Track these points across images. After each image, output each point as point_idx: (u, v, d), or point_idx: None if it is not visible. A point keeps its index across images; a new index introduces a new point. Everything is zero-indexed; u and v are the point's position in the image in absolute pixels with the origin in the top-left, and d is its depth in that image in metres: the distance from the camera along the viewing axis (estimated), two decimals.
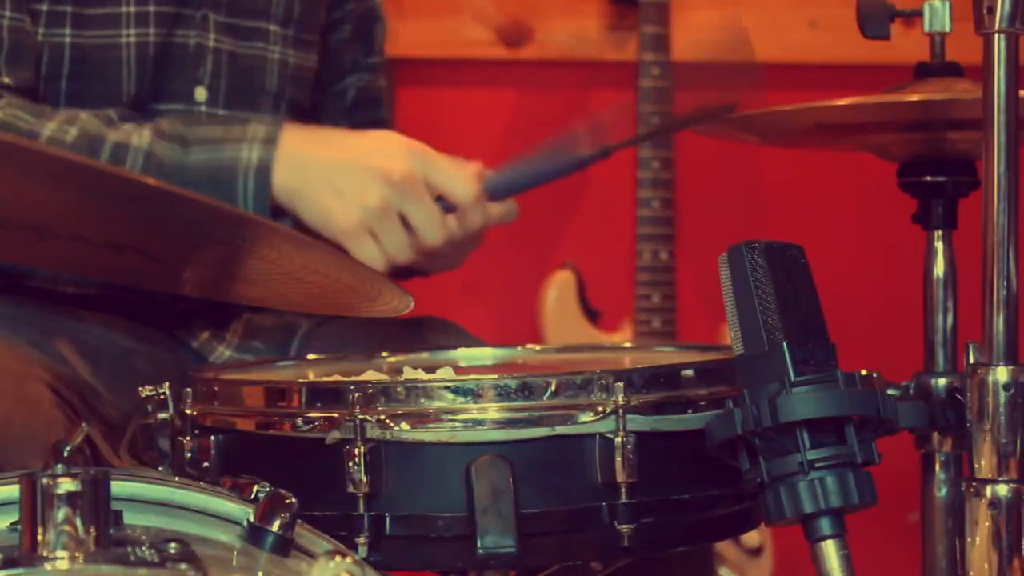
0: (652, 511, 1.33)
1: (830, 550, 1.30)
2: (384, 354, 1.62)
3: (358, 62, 2.05)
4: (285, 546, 1.17)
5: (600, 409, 1.32)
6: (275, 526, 1.16)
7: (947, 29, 1.65)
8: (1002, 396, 1.17)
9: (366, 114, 2.03)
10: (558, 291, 2.96)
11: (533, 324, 2.97)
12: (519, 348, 1.68)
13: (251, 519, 1.17)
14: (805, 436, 1.29)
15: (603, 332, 2.97)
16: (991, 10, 1.20)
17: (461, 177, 1.63)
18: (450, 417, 1.31)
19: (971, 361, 1.21)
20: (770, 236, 3.28)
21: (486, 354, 1.64)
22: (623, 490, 1.32)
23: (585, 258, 3.02)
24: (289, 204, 1.63)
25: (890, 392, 1.67)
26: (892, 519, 3.20)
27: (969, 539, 1.15)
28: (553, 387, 1.32)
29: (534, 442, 1.32)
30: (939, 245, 1.65)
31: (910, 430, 1.49)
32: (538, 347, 1.68)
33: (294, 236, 1.36)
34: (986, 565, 1.13)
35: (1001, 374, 1.20)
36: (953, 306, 1.65)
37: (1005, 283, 1.19)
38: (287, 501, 1.18)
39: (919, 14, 1.65)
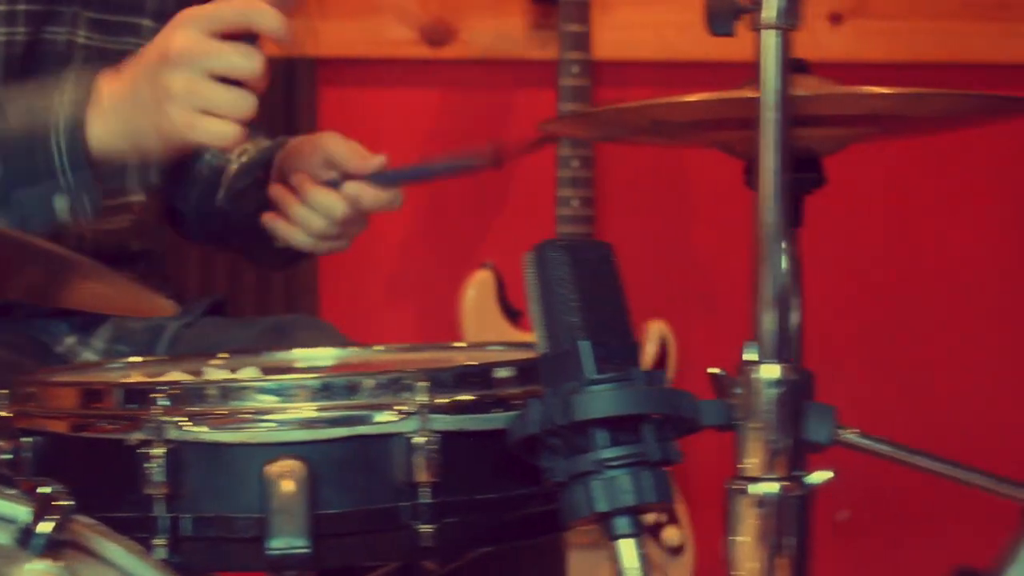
0: (455, 511, 1.33)
1: (627, 549, 1.29)
2: (224, 355, 1.62)
3: None
4: (55, 547, 1.17)
5: (401, 409, 1.31)
6: (44, 527, 1.16)
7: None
8: (770, 394, 1.17)
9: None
10: (477, 291, 2.96)
11: (454, 324, 2.97)
12: (367, 348, 1.68)
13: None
14: (602, 435, 1.29)
15: (524, 331, 2.97)
16: (762, 6, 1.19)
17: (228, 3, 1.56)
18: (249, 418, 1.31)
19: (744, 359, 1.21)
20: (694, 234, 3.27)
21: (328, 354, 1.64)
22: (425, 490, 1.31)
23: (507, 258, 3.02)
24: (122, 148, 1.58)
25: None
26: (823, 518, 3.19)
27: (737, 538, 1.15)
28: (354, 387, 1.32)
29: (334, 443, 1.31)
30: (784, 242, 1.63)
31: (717, 428, 1.47)
32: (382, 347, 1.67)
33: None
34: (754, 564, 1.12)
35: (770, 372, 1.19)
36: (798, 304, 1.64)
37: (774, 281, 1.18)
38: (61, 502, 1.18)
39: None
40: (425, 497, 1.31)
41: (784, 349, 1.17)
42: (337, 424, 1.31)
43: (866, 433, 1.34)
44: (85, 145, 1.57)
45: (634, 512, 1.29)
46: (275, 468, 1.29)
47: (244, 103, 1.54)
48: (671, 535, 2.96)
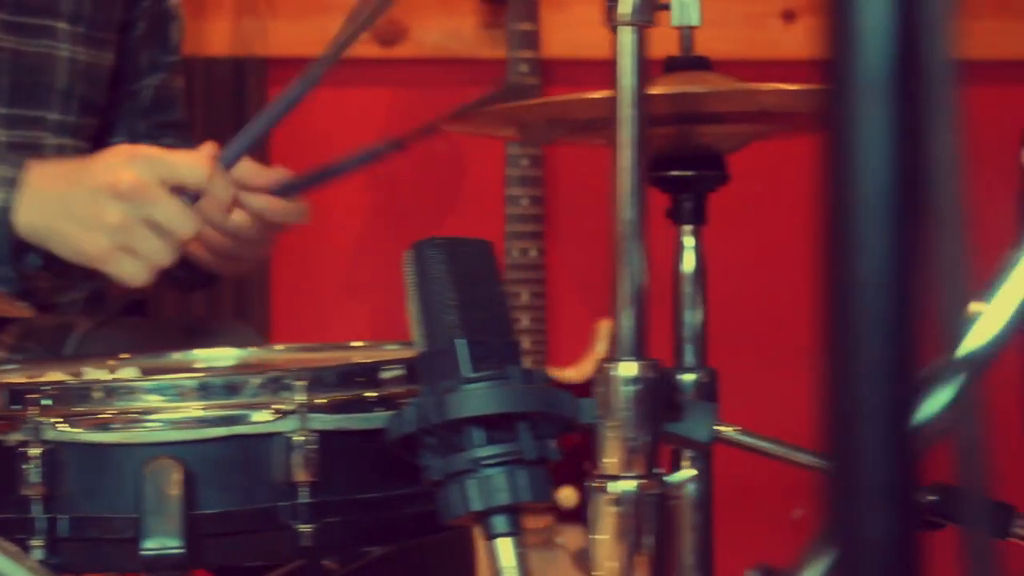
0: (335, 511, 1.32)
1: (505, 548, 1.29)
2: (124, 356, 1.61)
3: (155, 61, 2.04)
4: None
5: (279, 408, 1.31)
6: None
7: (695, 23, 1.64)
8: (628, 391, 1.16)
9: (162, 115, 2.02)
10: None
11: (407, 323, 2.96)
12: (267, 349, 1.67)
13: None
14: (477, 433, 1.28)
15: None
16: (617, 2, 1.19)
17: (189, 163, 1.60)
18: (126, 418, 1.30)
19: (602, 357, 1.21)
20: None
21: (228, 355, 1.64)
22: (304, 490, 1.31)
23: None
24: (42, 243, 1.62)
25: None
26: (779, 516, 3.19)
27: (596, 536, 1.14)
28: (232, 387, 1.32)
29: (212, 442, 1.31)
30: (688, 240, 1.64)
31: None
32: (281, 347, 1.67)
33: None
34: (613, 563, 1.12)
35: (627, 369, 1.19)
36: (702, 301, 1.64)
37: (631, 278, 1.18)
38: None
39: (667, 8, 1.64)
40: (304, 497, 1.31)
41: (638, 345, 1.16)
42: (214, 424, 1.31)
43: (747, 430, 1.34)
44: (10, 233, 1.59)
45: (510, 511, 1.29)
46: (150, 468, 1.28)
47: (165, 255, 1.58)
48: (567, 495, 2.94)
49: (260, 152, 2.98)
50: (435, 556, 1.68)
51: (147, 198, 1.57)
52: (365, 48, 3.03)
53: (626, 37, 1.20)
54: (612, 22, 1.23)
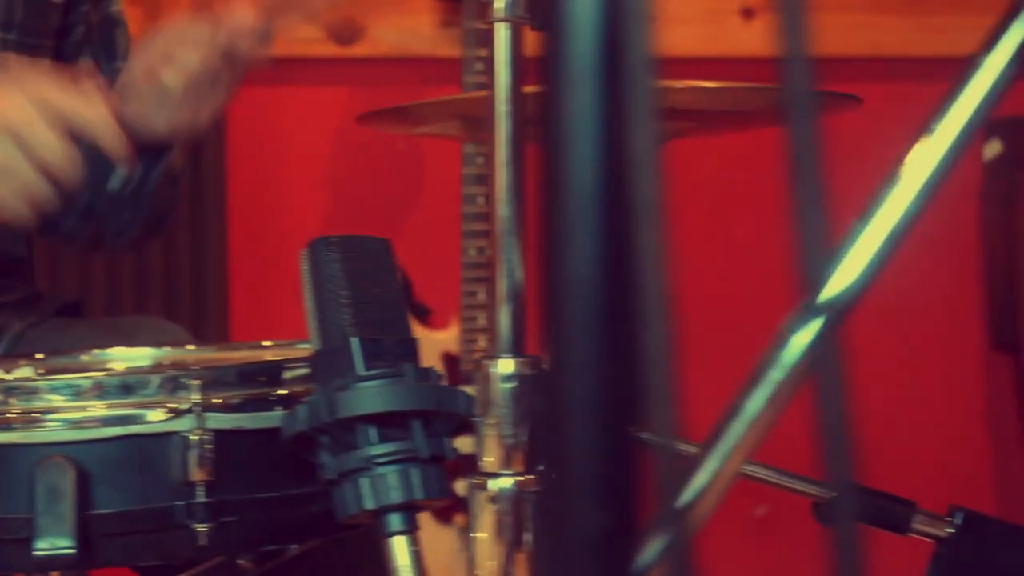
0: (233, 510, 1.32)
1: (400, 546, 1.29)
2: (39, 355, 1.61)
3: (101, 68, 2.03)
4: None
5: (175, 407, 1.31)
6: None
7: None
8: (505, 389, 1.16)
9: None
10: None
11: None
12: (182, 349, 1.67)
13: None
14: (370, 432, 1.28)
15: (433, 330, 2.96)
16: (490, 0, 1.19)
17: (86, 103, 1.57)
18: (20, 418, 1.30)
19: (481, 354, 1.20)
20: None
21: (144, 354, 1.63)
22: (200, 489, 1.31)
23: (414, 257, 3.01)
24: None
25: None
26: (741, 514, 3.19)
27: (476, 535, 1.14)
28: (127, 387, 1.31)
29: (107, 442, 1.31)
30: None
31: None
32: (192, 347, 1.67)
33: None
34: (492, 561, 1.12)
35: (504, 366, 1.18)
36: None
37: (509, 275, 1.18)
38: None
39: None
40: (201, 496, 1.31)
41: (516, 343, 1.16)
42: (109, 424, 1.31)
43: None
44: None
45: (405, 509, 1.29)
46: (42, 468, 1.28)
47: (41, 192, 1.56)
48: None
49: (217, 151, 2.98)
50: (353, 553, 1.67)
51: (25, 130, 1.54)
52: (322, 47, 3.03)
53: (501, 34, 1.19)
54: (488, 19, 1.23)
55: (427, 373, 1.31)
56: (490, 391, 1.16)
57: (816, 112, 0.50)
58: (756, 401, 0.77)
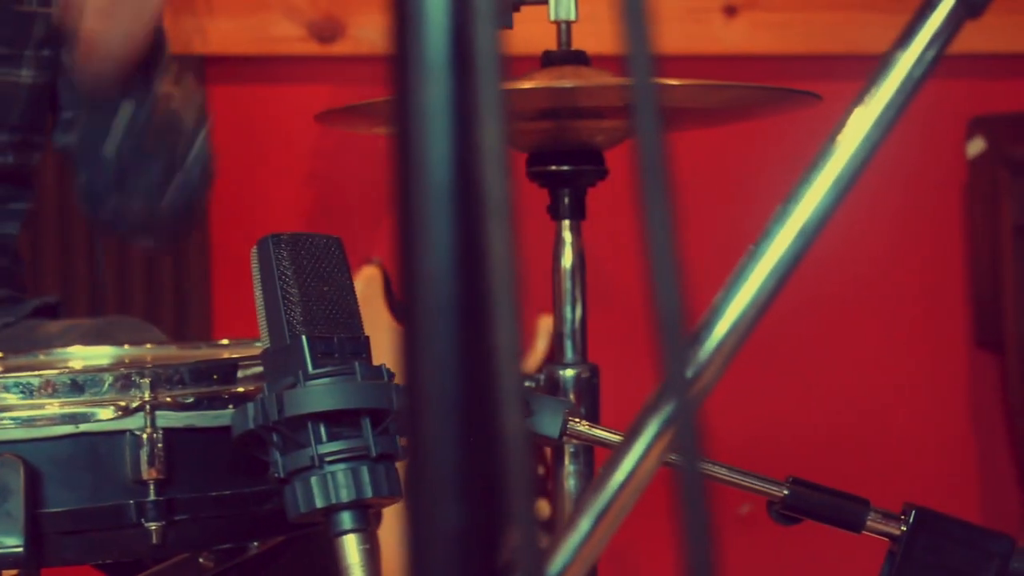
0: (184, 508, 1.32)
1: (350, 545, 1.28)
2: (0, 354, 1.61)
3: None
4: None
5: (126, 406, 1.31)
6: None
7: (572, 17, 1.64)
8: None
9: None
10: (364, 286, 2.95)
11: None
12: (142, 347, 1.67)
13: None
14: (319, 430, 1.28)
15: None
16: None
17: None
18: None
19: None
20: (585, 229, 3.24)
21: (105, 353, 1.63)
22: (151, 487, 1.31)
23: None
24: None
25: (525, 385, 1.66)
26: (726, 512, 3.18)
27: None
28: (77, 385, 1.31)
29: (58, 440, 1.31)
30: (567, 235, 1.63)
31: None
32: (150, 345, 1.67)
33: None
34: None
35: None
36: (582, 296, 1.63)
37: None
38: None
39: (544, 2, 1.63)
40: (152, 494, 1.31)
41: None
42: (59, 422, 1.30)
43: (594, 424, 1.33)
44: None
45: (355, 507, 1.28)
46: None
47: None
48: (540, 508, 2.94)
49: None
50: (314, 550, 1.67)
51: None
52: (303, 45, 3.03)
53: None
54: None
55: (378, 371, 1.31)
56: None
57: (664, 124, 0.50)
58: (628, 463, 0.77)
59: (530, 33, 1.73)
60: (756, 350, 3.14)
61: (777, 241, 0.77)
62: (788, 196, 0.77)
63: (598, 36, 3.05)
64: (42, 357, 1.60)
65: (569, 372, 1.58)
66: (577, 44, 1.62)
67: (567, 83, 1.56)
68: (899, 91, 0.74)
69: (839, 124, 0.78)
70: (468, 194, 0.47)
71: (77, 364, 1.60)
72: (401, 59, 0.48)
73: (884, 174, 3.19)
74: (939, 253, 3.19)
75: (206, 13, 3.01)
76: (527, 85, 1.56)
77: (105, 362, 1.61)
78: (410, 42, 0.48)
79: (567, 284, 1.62)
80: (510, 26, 1.63)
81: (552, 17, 1.63)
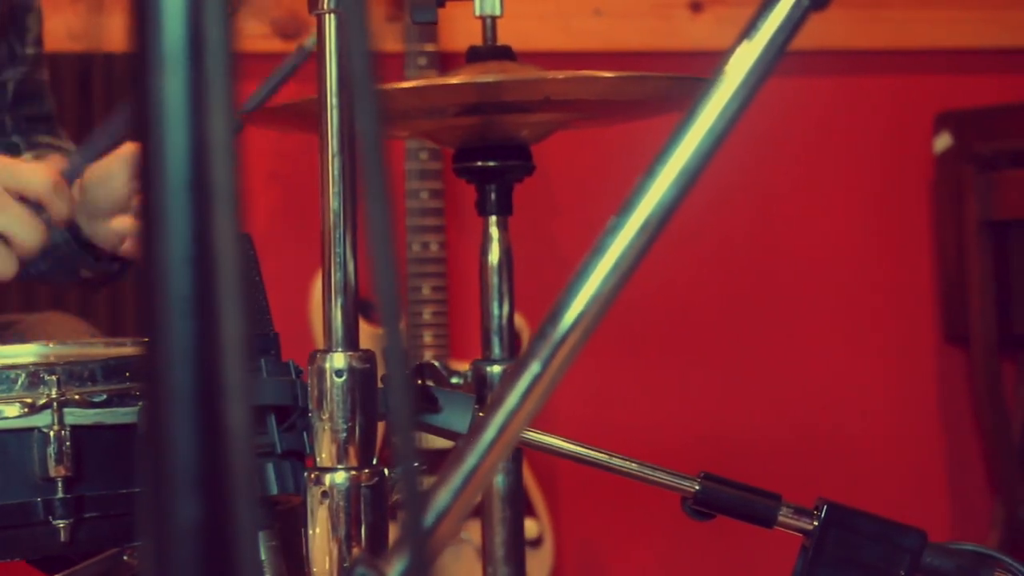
0: (93, 506, 1.32)
1: None
2: None
3: (15, 54, 2.03)
4: None
5: (32, 402, 1.31)
6: None
7: (498, 13, 1.63)
8: (337, 383, 1.16)
9: (28, 108, 2.01)
10: None
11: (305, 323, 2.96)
12: (65, 344, 1.66)
13: None
14: None
15: (377, 325, 2.96)
16: None
17: (31, 171, 1.61)
18: None
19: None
20: (555, 225, 3.24)
21: (27, 351, 1.62)
22: (58, 484, 1.30)
23: (361, 251, 3.00)
24: None
25: (453, 380, 1.66)
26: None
27: (310, 531, 1.13)
28: None
29: None
30: (494, 231, 1.63)
31: None
32: (73, 342, 1.66)
33: None
34: (326, 557, 1.11)
35: (337, 360, 1.18)
36: (509, 292, 1.63)
37: (340, 268, 1.17)
38: None
39: None
40: (60, 492, 1.30)
41: (349, 336, 1.15)
42: None
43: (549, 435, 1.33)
44: None
45: (261, 505, 1.28)
46: None
47: (6, 263, 1.60)
48: (528, 527, 2.94)
49: None
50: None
51: None
52: (266, 43, 3.03)
53: (330, 25, 1.18)
54: (314, 11, 1.23)
55: (285, 367, 1.31)
56: (323, 385, 1.15)
57: (385, 123, 0.50)
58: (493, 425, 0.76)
59: (456, 30, 1.73)
60: (721, 348, 3.14)
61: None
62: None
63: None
64: None
65: (496, 368, 1.58)
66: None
67: (490, 78, 1.55)
68: (740, 90, 0.74)
69: (686, 118, 0.77)
70: (205, 187, 0.46)
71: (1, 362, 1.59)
72: (139, 52, 0.48)
73: (851, 169, 3.19)
74: (907, 248, 3.19)
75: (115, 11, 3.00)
76: (452, 80, 1.55)
77: (28, 359, 1.60)
78: (147, 35, 0.47)
79: (494, 280, 1.62)
80: (435, 20, 1.63)
81: (477, 12, 1.63)
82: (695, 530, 3.02)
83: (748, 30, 0.75)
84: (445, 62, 2.93)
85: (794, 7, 0.74)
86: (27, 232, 1.60)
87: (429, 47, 2.91)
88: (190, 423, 0.48)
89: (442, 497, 0.75)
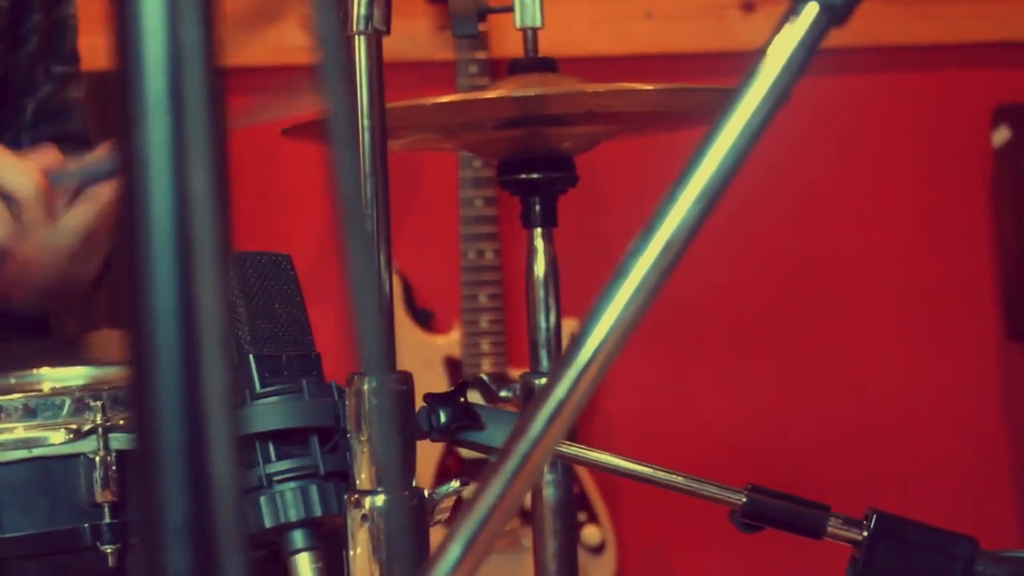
0: None
1: (303, 563, 1.28)
2: None
3: (50, 73, 2.03)
4: None
5: (78, 428, 1.31)
6: None
7: (538, 24, 1.63)
8: (375, 405, 1.15)
9: (53, 127, 2.01)
10: None
11: None
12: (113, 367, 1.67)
13: None
14: (267, 449, 1.28)
15: (435, 334, 2.96)
16: (346, 14, 1.18)
17: (16, 167, 1.60)
18: None
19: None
20: (608, 230, 3.22)
21: (78, 373, 1.63)
22: (105, 510, 1.31)
23: (414, 260, 3.01)
24: None
25: (503, 394, 1.66)
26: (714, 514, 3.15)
27: (351, 553, 1.13)
28: (29, 409, 1.32)
29: (12, 465, 1.31)
30: (539, 243, 1.63)
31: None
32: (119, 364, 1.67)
33: None
34: None
35: (372, 382, 1.17)
36: (556, 305, 1.62)
37: (377, 291, 1.17)
38: None
39: (510, 10, 1.62)
40: (107, 517, 1.31)
41: (391, 357, 1.15)
42: (12, 447, 1.31)
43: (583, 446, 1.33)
44: None
45: (306, 526, 1.28)
46: None
47: None
48: (591, 534, 2.94)
49: None
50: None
51: None
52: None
53: (360, 46, 1.18)
54: (346, 31, 1.22)
55: (327, 388, 1.31)
56: (362, 407, 1.15)
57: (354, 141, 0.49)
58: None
59: (506, 38, 1.73)
60: (783, 350, 3.11)
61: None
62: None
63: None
64: (13, 381, 1.61)
65: (544, 381, 1.57)
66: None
67: (531, 91, 1.54)
68: (759, 111, 0.73)
69: (703, 144, 0.76)
70: (188, 242, 0.46)
71: (47, 387, 1.60)
72: (122, 100, 0.47)
73: (909, 166, 3.16)
74: (966, 244, 3.15)
75: None
76: (490, 95, 1.55)
77: (77, 383, 1.61)
78: (130, 83, 0.47)
79: (540, 292, 1.62)
80: (476, 34, 1.63)
81: (518, 24, 1.62)
82: (759, 536, 3.00)
83: (765, 48, 0.74)
84: (496, 69, 2.93)
85: (813, 24, 0.73)
86: None
87: (480, 55, 2.91)
88: (178, 477, 0.47)
89: (466, 528, 0.74)
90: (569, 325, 2.93)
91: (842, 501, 1.42)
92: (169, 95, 0.47)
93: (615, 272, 0.76)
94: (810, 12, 0.75)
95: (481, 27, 2.97)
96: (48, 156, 1.66)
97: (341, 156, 0.50)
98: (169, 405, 0.47)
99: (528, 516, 2.85)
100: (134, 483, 0.49)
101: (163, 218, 0.47)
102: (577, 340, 0.76)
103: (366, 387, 1.13)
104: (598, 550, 2.95)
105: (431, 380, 2.91)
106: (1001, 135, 3.08)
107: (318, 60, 0.50)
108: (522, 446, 0.77)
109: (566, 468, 1.61)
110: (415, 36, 3.03)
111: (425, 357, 2.92)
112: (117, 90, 0.48)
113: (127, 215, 0.47)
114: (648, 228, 0.75)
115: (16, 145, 1.97)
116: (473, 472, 2.93)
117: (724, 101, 0.72)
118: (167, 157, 0.47)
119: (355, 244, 0.50)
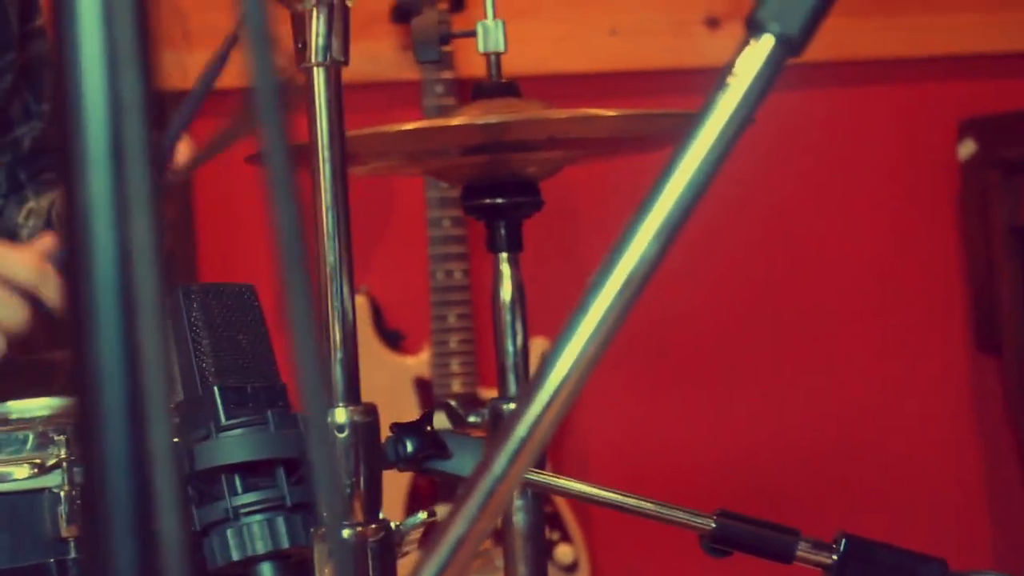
0: None
1: None
2: None
3: (29, 111, 2.02)
4: None
5: (41, 463, 1.30)
6: None
7: (501, 49, 1.62)
8: (340, 438, 1.15)
9: (45, 161, 2.00)
10: None
11: None
12: None
13: None
14: (233, 481, 1.27)
15: (404, 355, 2.95)
16: (305, 45, 1.17)
17: (16, 259, 1.61)
18: None
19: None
20: (580, 249, 3.21)
21: (43, 404, 1.62)
22: (71, 545, 1.30)
23: (383, 281, 3.00)
24: None
25: (471, 419, 1.65)
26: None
27: None
28: None
29: None
30: (505, 268, 1.62)
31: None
32: None
33: None
34: None
35: (339, 415, 1.17)
36: (523, 328, 1.62)
37: (340, 321, 1.16)
38: None
39: (473, 35, 1.62)
40: (72, 552, 1.30)
41: (349, 390, 1.14)
42: None
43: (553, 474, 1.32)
44: None
45: (274, 558, 1.27)
46: None
47: None
48: (564, 553, 2.93)
49: (184, 186, 2.97)
50: None
51: None
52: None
53: (319, 78, 1.18)
54: (301, 64, 1.22)
55: (293, 419, 1.30)
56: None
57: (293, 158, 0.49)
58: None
59: (472, 58, 1.72)
60: (755, 369, 3.11)
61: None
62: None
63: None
64: None
65: (513, 406, 1.57)
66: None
67: (493, 119, 1.54)
68: (717, 144, 0.72)
69: (663, 173, 0.76)
70: (130, 293, 0.46)
71: (12, 418, 1.59)
72: (64, 154, 0.47)
73: (876, 180, 3.16)
74: (935, 258, 3.16)
75: (185, 48, 3.00)
76: (453, 123, 1.55)
77: (41, 415, 1.60)
78: (73, 136, 0.47)
79: (507, 316, 1.61)
80: (439, 59, 1.62)
81: (481, 49, 1.61)
82: (733, 557, 3.00)
83: (721, 82, 0.73)
84: (462, 89, 2.92)
85: (769, 56, 0.73)
86: (11, 313, 1.61)
87: (446, 74, 2.90)
88: (125, 530, 0.47)
89: (431, 565, 0.74)
90: (538, 345, 2.93)
91: (815, 518, 1.42)
92: (109, 149, 0.46)
93: (576, 306, 0.75)
94: (766, 44, 0.74)
95: (446, 47, 2.97)
96: (45, 242, 1.68)
97: (278, 192, 0.50)
98: (115, 456, 0.47)
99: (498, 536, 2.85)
100: (81, 534, 0.48)
101: (106, 269, 0.46)
102: (539, 374, 0.76)
103: (329, 421, 1.12)
104: (571, 569, 2.94)
105: (401, 402, 2.90)
106: (967, 148, 3.09)
107: (254, 95, 0.50)
108: (486, 483, 0.76)
109: (535, 494, 1.61)
110: (379, 57, 3.03)
111: (395, 378, 2.92)
112: (58, 144, 0.47)
113: (69, 267, 0.47)
114: (609, 259, 0.75)
115: (14, 179, 1.96)
116: (446, 492, 2.93)
117: (687, 126, 0.72)
118: (109, 209, 0.46)
119: (294, 283, 0.49)
